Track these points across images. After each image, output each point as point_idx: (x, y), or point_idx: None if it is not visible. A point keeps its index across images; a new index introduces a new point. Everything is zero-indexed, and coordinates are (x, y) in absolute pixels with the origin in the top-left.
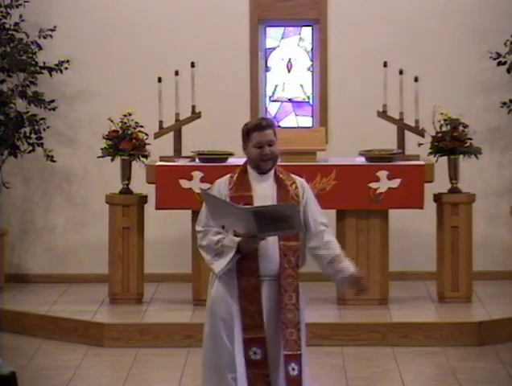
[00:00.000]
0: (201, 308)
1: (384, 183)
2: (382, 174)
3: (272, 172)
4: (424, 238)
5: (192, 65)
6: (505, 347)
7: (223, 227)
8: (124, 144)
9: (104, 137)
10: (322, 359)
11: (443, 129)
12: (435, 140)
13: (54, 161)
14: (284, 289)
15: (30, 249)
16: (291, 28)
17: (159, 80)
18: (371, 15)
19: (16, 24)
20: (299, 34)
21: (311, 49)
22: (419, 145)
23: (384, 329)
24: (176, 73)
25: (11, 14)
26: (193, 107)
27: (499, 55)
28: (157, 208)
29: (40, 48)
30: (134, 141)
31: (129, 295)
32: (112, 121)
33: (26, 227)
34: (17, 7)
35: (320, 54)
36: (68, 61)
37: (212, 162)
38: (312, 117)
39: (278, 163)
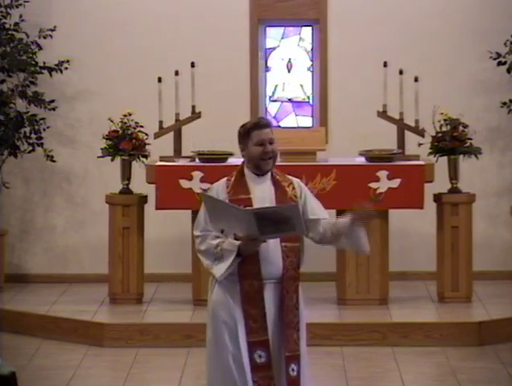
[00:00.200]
0: (201, 308)
1: (384, 183)
2: (382, 174)
3: (269, 174)
4: (424, 238)
5: (192, 65)
6: (505, 347)
7: (222, 231)
8: (124, 144)
9: (104, 137)
10: (322, 359)
11: (443, 129)
12: (435, 140)
13: (54, 161)
14: (286, 291)
15: (30, 249)
16: (291, 28)
17: (159, 80)
18: (371, 15)
19: (16, 24)
20: (299, 34)
21: (311, 49)
22: (419, 145)
23: (384, 329)
24: (176, 73)
25: (11, 14)
26: (193, 107)
27: (499, 55)
28: (157, 208)
29: (40, 48)
30: (134, 141)
31: (129, 295)
32: (112, 121)
33: (26, 227)
34: (17, 7)
35: (320, 54)
36: (68, 61)
37: (212, 162)
38: (312, 117)
39: (278, 163)
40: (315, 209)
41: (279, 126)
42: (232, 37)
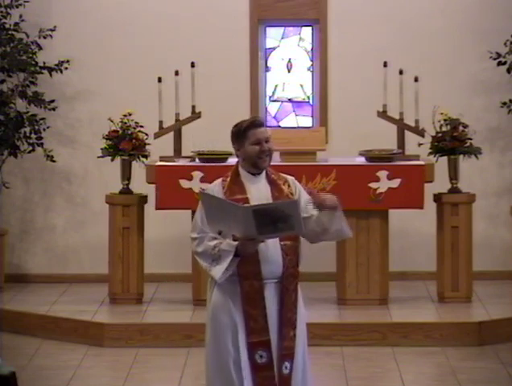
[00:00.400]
0: (201, 308)
1: (384, 183)
2: (382, 174)
3: (264, 173)
4: (424, 238)
5: (192, 65)
6: (505, 347)
7: (219, 233)
8: (124, 144)
9: (104, 137)
10: (322, 359)
11: (443, 129)
12: (435, 140)
13: (54, 161)
14: (286, 289)
15: (30, 249)
16: (291, 28)
17: (159, 80)
18: (371, 15)
19: (16, 24)
20: (299, 34)
21: (311, 49)
22: (419, 145)
23: (384, 329)
24: (176, 73)
25: (11, 14)
26: (193, 107)
27: (499, 55)
28: (157, 208)
29: (40, 48)
30: (134, 141)
31: (129, 295)
32: (112, 121)
33: (26, 227)
34: (17, 7)
35: (320, 54)
36: (68, 61)
37: (212, 162)
38: (312, 117)
39: (278, 163)
40: (310, 208)
41: (279, 126)
42: (232, 37)
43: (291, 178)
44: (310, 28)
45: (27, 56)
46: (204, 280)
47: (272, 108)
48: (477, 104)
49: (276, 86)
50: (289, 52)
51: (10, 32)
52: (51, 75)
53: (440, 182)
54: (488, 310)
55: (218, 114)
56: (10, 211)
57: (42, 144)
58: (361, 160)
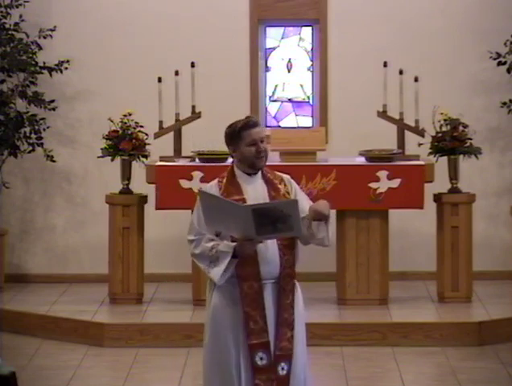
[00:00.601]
0: (201, 308)
1: (384, 183)
2: (382, 174)
3: (260, 173)
4: (424, 238)
5: (192, 65)
6: (505, 347)
7: (217, 235)
8: (124, 144)
9: (104, 137)
10: (322, 359)
11: (443, 129)
12: (435, 140)
13: (54, 161)
14: (283, 289)
15: (30, 249)
16: (291, 28)
17: (159, 80)
18: (371, 15)
19: (16, 24)
20: (299, 34)
21: (311, 49)
22: (419, 145)
23: (384, 329)
24: (176, 73)
25: (11, 14)
26: (193, 107)
27: (499, 55)
28: (157, 208)
29: (40, 48)
30: (134, 141)
31: (129, 295)
32: (112, 121)
33: (26, 227)
34: (17, 7)
35: (320, 54)
36: (68, 61)
37: (212, 162)
38: (312, 117)
39: (279, 163)
40: (305, 206)
41: (279, 126)
42: (232, 37)
43: (286, 177)
44: (310, 28)
45: (27, 56)
46: (204, 280)
47: (272, 108)
48: (477, 104)
49: (276, 86)
50: (289, 52)
51: (10, 32)
52: (51, 75)
53: (440, 182)
54: (488, 309)
55: (218, 114)
56: (10, 211)
57: (42, 144)
58: (361, 160)
